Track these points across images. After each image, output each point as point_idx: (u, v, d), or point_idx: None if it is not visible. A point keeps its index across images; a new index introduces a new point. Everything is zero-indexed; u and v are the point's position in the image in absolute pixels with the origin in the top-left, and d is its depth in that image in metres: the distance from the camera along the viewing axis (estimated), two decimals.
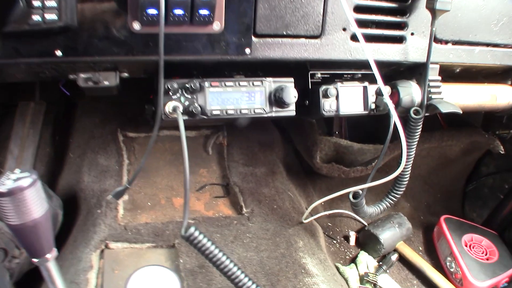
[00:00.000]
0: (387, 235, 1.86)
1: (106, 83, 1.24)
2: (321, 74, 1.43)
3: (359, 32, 1.20)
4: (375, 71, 1.18)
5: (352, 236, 1.96)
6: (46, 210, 0.86)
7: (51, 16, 1.00)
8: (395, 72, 1.51)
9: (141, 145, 1.86)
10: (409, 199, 2.17)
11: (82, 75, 1.22)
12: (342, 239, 1.98)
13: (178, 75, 1.28)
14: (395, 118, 1.22)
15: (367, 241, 1.91)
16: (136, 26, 1.10)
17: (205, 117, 1.26)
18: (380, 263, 1.83)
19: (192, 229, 1.05)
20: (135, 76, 1.33)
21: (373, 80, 1.44)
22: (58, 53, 1.09)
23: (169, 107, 1.22)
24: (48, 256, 0.89)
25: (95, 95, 1.31)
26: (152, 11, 1.05)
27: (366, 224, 2.00)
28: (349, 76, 1.46)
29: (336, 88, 1.35)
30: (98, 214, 1.54)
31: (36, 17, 0.99)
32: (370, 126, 2.09)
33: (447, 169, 2.18)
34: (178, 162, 1.84)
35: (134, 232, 1.49)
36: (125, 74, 1.30)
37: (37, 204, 0.83)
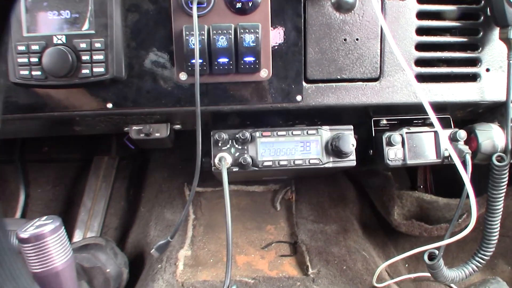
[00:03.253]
0: None
1: (157, 134, 1.24)
2: (387, 120, 1.31)
3: (411, 72, 1.08)
4: (430, 113, 1.04)
5: None
6: (69, 257, 0.84)
7: (98, 69, 1.04)
8: (473, 114, 1.34)
9: (208, 200, 1.82)
10: (510, 262, 1.87)
11: (135, 127, 1.24)
12: None
13: (231, 125, 1.25)
14: (457, 164, 1.05)
15: None
16: (183, 76, 1.10)
17: (256, 168, 1.19)
18: None
19: None
20: (188, 128, 1.32)
21: (447, 125, 1.30)
22: (109, 105, 1.12)
23: (217, 159, 1.18)
24: None
25: (148, 147, 1.32)
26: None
27: None
28: (420, 121, 1.32)
29: (402, 135, 1.22)
30: (158, 269, 1.51)
31: (85, 71, 1.04)
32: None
33: None
34: (245, 218, 1.78)
35: None
36: (178, 126, 1.30)
37: (59, 251, 0.81)
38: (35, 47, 1.01)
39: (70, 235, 1.78)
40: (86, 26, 1.04)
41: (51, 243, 0.80)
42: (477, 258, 1.29)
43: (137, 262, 1.65)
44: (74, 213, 1.88)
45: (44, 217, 0.86)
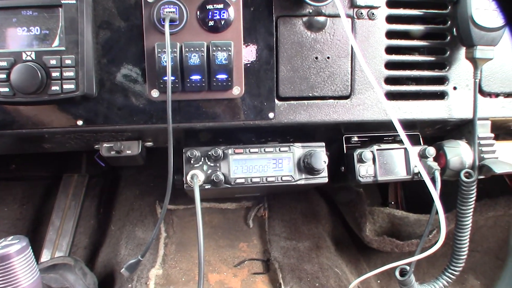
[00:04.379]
0: None
1: (128, 152, 1.23)
2: (358, 137, 1.33)
3: (380, 90, 1.10)
4: (400, 130, 1.06)
5: None
6: (36, 278, 0.82)
7: (69, 86, 1.02)
8: (441, 132, 1.38)
9: (180, 218, 1.80)
10: (479, 277, 1.91)
11: (105, 145, 1.22)
12: None
13: (203, 142, 1.25)
14: (426, 181, 1.07)
15: None
16: (155, 93, 1.10)
17: (228, 186, 1.19)
18: None
19: None
20: (160, 145, 1.31)
21: (417, 142, 1.32)
22: (80, 122, 1.10)
23: (190, 176, 1.17)
24: None
25: (119, 165, 1.30)
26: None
27: None
28: (390, 138, 1.34)
29: (372, 152, 1.24)
30: None
31: (55, 88, 1.02)
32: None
33: None
34: (217, 236, 1.76)
35: None
36: (149, 143, 1.28)
37: (25, 272, 0.79)
38: (3, 63, 0.99)
39: (37, 254, 1.73)
40: (56, 42, 1.02)
41: (17, 264, 0.78)
42: (447, 273, 1.31)
43: (107, 282, 1.61)
44: (42, 232, 1.83)
45: (10, 237, 0.84)
